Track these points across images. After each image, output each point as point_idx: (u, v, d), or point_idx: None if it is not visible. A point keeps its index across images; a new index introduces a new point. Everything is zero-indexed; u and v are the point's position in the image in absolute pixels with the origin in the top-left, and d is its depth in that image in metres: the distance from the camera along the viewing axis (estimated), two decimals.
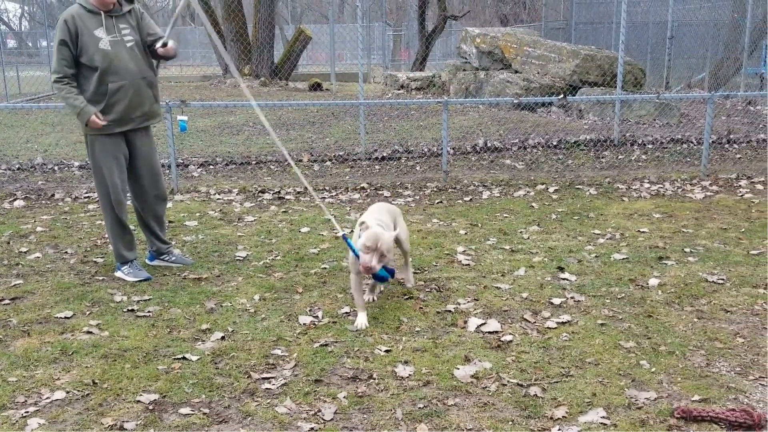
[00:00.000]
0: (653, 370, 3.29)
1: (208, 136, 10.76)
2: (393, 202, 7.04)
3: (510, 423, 2.84)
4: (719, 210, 6.64)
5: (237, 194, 7.43)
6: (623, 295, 4.31)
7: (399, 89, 15.12)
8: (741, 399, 3.01)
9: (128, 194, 4.84)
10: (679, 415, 2.81)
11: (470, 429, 2.79)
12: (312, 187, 7.70)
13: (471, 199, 7.18)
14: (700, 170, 8.26)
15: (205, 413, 2.95)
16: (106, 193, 4.59)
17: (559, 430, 2.76)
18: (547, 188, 7.61)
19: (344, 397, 3.06)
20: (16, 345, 3.65)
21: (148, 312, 4.10)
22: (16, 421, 2.90)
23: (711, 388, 3.10)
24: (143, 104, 4.55)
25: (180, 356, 3.49)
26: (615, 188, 7.64)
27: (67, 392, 3.14)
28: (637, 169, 8.58)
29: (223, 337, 3.73)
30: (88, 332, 3.81)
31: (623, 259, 5.08)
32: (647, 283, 4.52)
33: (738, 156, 9.25)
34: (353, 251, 3.91)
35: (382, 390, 3.13)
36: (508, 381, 3.19)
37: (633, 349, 3.52)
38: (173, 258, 4.99)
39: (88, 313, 4.10)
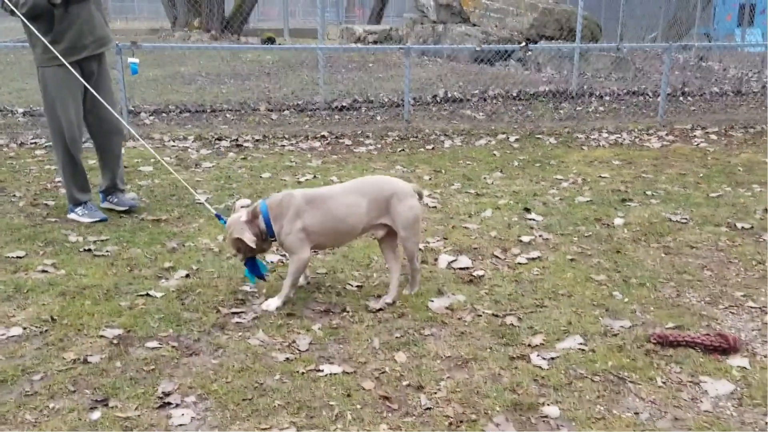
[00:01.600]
0: (626, 300, 3.31)
1: (159, 85, 10.35)
2: (354, 151, 6.92)
3: (488, 350, 2.81)
4: (676, 158, 6.74)
5: (192, 141, 7.19)
6: (590, 233, 4.33)
7: (355, 42, 14.85)
8: (713, 326, 3.04)
9: (84, 131, 4.58)
10: (655, 341, 2.83)
11: (449, 356, 2.75)
12: (270, 135, 7.52)
13: (433, 148, 7.11)
14: (656, 121, 8.36)
15: (173, 346, 2.83)
16: (59, 130, 4.34)
17: (537, 355, 2.74)
18: (508, 138, 7.59)
19: (318, 329, 2.98)
20: None
21: (106, 252, 3.92)
22: None
23: (683, 316, 3.13)
24: (95, 29, 4.28)
25: (143, 293, 3.34)
26: (574, 138, 7.67)
27: (24, 328, 2.97)
28: (595, 120, 8.63)
29: (187, 275, 3.60)
30: (43, 271, 3.62)
31: (587, 201, 5.10)
32: (612, 223, 4.55)
33: (692, 108, 9.39)
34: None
35: (356, 322, 3.06)
36: (483, 312, 3.16)
37: (604, 281, 3.53)
38: (115, 200, 4.68)
39: (41, 253, 3.90)
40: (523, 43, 7.61)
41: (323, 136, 7.51)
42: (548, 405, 2.39)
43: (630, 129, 8.12)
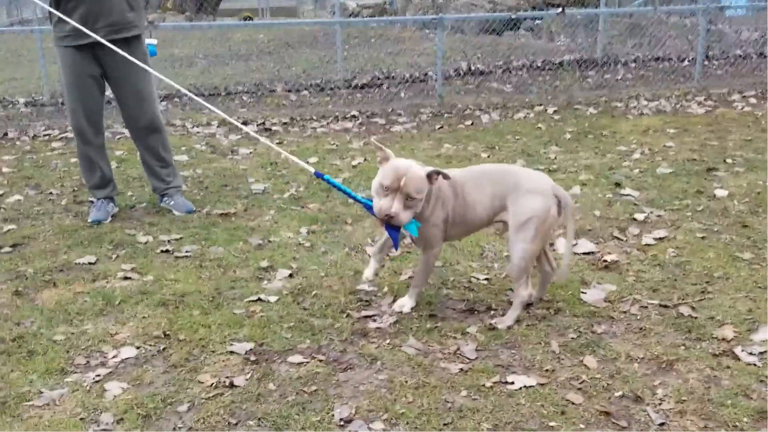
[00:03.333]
0: None
1: (159, 70, 9.76)
2: (391, 130, 6.53)
3: (682, 347, 2.48)
4: (729, 123, 6.47)
5: (218, 127, 6.72)
6: (701, 207, 4.02)
7: (349, 17, 14.32)
8: None
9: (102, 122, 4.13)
10: None
11: (642, 358, 2.42)
12: (297, 117, 7.08)
13: (472, 123, 6.75)
14: (692, 86, 8.11)
15: (321, 360, 2.45)
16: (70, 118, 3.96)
17: (742, 351, 2.43)
18: (546, 109, 7.26)
19: (477, 332, 2.62)
20: (43, 298, 3.00)
21: (187, 252, 3.50)
22: (90, 386, 2.32)
23: None
24: (109, 12, 3.73)
25: (253, 298, 2.95)
26: (613, 107, 7.37)
27: (137, 348, 2.56)
28: (628, 88, 8.33)
29: (291, 275, 3.20)
30: (126, 278, 3.19)
31: (671, 172, 4.80)
32: (715, 194, 4.25)
33: (719, 72, 9.16)
34: (352, 196, 2.86)
35: (529, 325, 2.70)
36: (647, 303, 2.84)
37: (754, 260, 3.23)
38: (172, 202, 4.19)
39: (114, 257, 3.46)
40: (560, 9, 7.27)
41: (354, 116, 7.09)
42: None
43: (667, 96, 7.84)
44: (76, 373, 2.41)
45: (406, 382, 2.29)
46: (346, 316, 2.78)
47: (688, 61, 9.32)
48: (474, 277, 3.15)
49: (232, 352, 2.51)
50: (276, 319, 2.76)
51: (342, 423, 2.09)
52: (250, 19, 18.56)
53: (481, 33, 11.11)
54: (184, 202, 4.19)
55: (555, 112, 7.17)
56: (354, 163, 5.32)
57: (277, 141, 6.12)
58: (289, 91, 8.30)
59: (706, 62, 9.27)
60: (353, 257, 3.41)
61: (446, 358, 2.45)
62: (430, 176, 2.55)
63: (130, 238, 3.70)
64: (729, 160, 5.08)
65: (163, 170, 4.21)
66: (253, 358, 2.47)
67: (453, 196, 2.67)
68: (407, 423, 2.08)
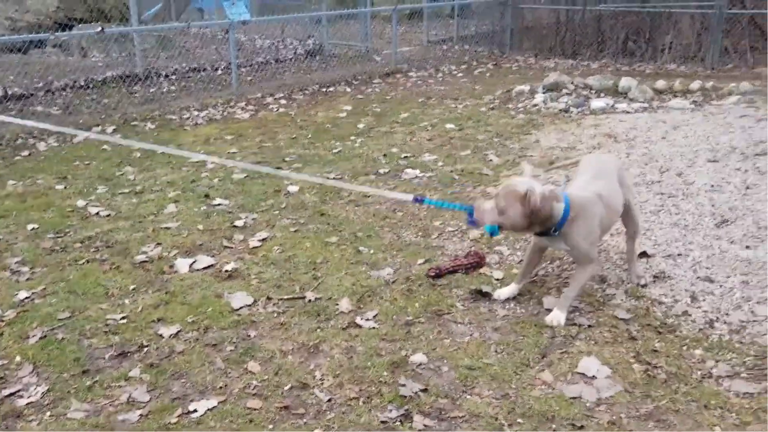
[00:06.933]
0: (372, 252, 3.74)
1: None
2: None
3: (319, 330, 2.94)
4: (273, 125, 7.32)
5: None
6: (284, 204, 4.61)
7: None
8: (446, 252, 3.72)
9: None
10: (433, 274, 3.36)
11: (292, 349, 2.80)
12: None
13: (30, 153, 6.30)
14: (232, 93, 8.84)
15: None
16: None
17: (361, 319, 3.00)
18: (105, 130, 7.15)
19: (141, 374, 2.66)
20: None
21: None
22: None
23: (421, 252, 3.73)
24: None
25: None
26: (169, 120, 7.65)
27: None
28: (174, 100, 8.64)
29: None
30: None
31: (245, 177, 5.30)
32: (289, 191, 4.89)
33: (249, 78, 10.14)
34: (452, 207, 3.36)
35: (169, 353, 2.81)
36: (278, 299, 3.23)
37: (340, 242, 3.90)
38: None
39: None
40: (99, 28, 7.12)
41: None
42: (414, 354, 2.72)
43: (214, 104, 8.41)
44: None
45: None
46: None
47: (221, 70, 10.08)
48: (111, 318, 3.11)
49: None
50: None
51: None
52: None
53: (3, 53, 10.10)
54: None
55: (114, 130, 7.10)
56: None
57: None
58: None
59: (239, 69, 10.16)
60: None
61: (121, 409, 2.45)
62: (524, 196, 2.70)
63: None
64: (288, 158, 5.84)
65: None
66: None
67: (604, 209, 2.94)
68: None
